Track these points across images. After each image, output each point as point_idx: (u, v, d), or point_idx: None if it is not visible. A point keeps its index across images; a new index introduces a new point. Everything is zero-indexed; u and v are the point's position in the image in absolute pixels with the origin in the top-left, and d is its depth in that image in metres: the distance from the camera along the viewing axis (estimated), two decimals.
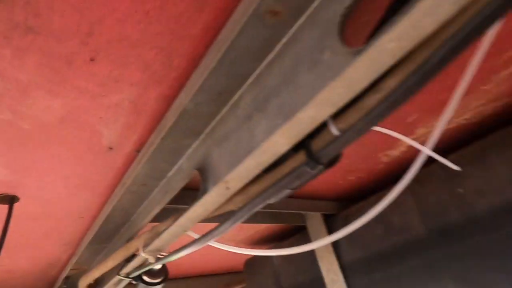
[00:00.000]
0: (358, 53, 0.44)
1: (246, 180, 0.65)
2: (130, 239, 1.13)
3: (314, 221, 1.52)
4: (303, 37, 0.58)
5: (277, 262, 1.73)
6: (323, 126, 0.57)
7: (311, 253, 1.53)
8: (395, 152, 1.18)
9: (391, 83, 0.47)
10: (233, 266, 2.45)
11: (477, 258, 1.04)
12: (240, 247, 0.89)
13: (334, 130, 0.55)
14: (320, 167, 0.56)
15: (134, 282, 1.18)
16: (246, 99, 0.71)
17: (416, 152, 1.16)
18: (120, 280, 1.16)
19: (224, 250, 0.93)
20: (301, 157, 0.60)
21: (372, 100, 0.49)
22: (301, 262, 1.60)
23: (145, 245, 0.97)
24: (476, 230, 1.04)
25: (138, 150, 0.87)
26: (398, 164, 1.27)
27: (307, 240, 1.56)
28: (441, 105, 0.95)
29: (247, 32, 0.58)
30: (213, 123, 0.80)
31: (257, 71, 0.68)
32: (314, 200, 1.50)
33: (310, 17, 0.57)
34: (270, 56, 0.64)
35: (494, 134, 1.05)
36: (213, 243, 0.86)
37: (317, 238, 1.50)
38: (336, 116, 0.55)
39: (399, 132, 0.77)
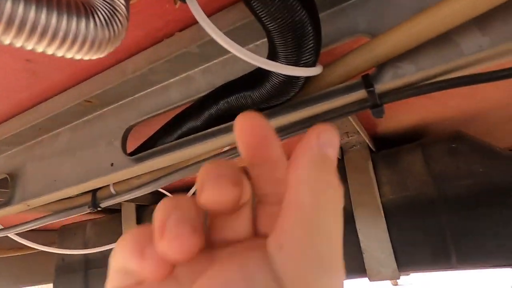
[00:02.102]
0: (135, 161, 0.72)
1: (45, 203, 0.87)
2: None
3: (128, 208, 1.80)
4: (108, 120, 0.83)
5: (89, 233, 1.95)
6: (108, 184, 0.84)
7: (120, 229, 1.81)
8: None
9: (145, 178, 0.77)
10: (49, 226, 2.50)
11: None
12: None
13: (112, 190, 0.83)
14: (99, 208, 0.84)
15: None
16: (64, 137, 0.91)
17: None
18: None
19: None
20: (88, 197, 0.86)
21: (135, 182, 0.79)
22: (110, 236, 1.87)
23: None
24: None
25: None
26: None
27: (120, 222, 1.84)
28: None
29: (70, 107, 0.79)
30: (33, 141, 0.97)
31: (75, 123, 0.89)
32: None
33: (113, 110, 0.82)
34: (85, 117, 0.87)
35: None
36: (14, 237, 1.04)
37: (128, 223, 1.79)
38: (116, 182, 0.83)
39: None
